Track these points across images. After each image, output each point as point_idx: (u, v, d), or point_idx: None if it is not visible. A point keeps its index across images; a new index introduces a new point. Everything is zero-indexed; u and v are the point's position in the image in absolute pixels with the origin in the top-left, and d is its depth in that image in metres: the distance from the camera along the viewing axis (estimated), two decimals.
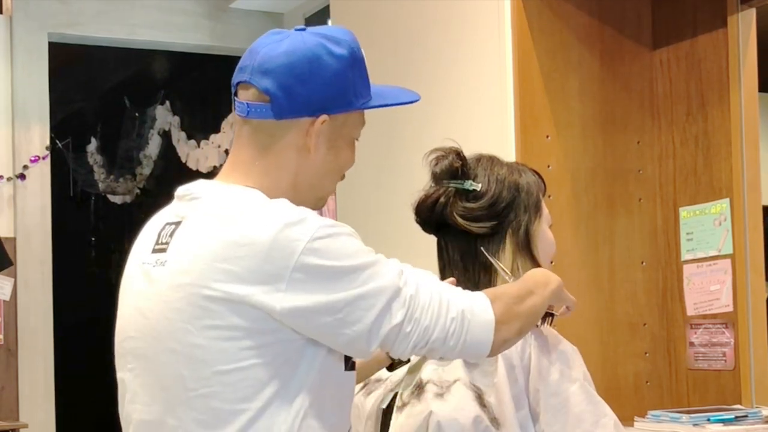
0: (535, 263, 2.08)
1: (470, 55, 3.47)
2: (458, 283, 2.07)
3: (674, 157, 3.37)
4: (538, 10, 3.28)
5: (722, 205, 3.19)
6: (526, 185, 2.09)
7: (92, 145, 6.60)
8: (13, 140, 5.22)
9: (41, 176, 5.28)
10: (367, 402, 2.16)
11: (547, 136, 3.29)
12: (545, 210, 2.13)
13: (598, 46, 3.38)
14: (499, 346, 1.78)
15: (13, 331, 5.13)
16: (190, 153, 5.95)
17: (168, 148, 6.31)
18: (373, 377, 2.15)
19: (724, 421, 2.80)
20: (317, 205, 1.90)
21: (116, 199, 6.69)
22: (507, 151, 3.20)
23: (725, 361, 3.17)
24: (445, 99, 3.57)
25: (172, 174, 6.17)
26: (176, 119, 6.22)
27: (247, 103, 1.82)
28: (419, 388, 2.07)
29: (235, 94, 1.86)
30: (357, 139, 1.90)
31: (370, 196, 3.95)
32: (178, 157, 6.08)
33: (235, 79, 1.86)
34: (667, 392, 3.37)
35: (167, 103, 6.30)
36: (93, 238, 7.31)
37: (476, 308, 1.76)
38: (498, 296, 1.80)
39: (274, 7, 5.49)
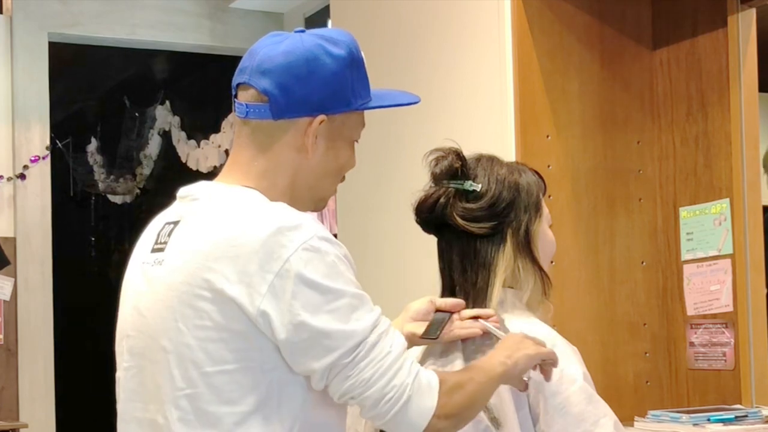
0: (536, 263, 2.08)
1: (470, 55, 3.47)
2: (457, 284, 2.08)
3: (674, 157, 3.37)
4: (538, 10, 3.28)
5: (722, 205, 3.19)
6: (526, 185, 2.09)
7: (92, 145, 6.60)
8: (13, 140, 5.22)
9: (41, 176, 5.28)
10: None
11: (547, 136, 3.29)
12: (545, 210, 2.13)
13: (598, 46, 3.38)
14: None
15: (13, 331, 5.13)
16: (190, 153, 5.95)
17: (168, 148, 6.31)
18: None
19: (724, 421, 2.80)
20: (317, 207, 1.89)
21: (116, 199, 6.69)
22: (507, 151, 3.20)
23: (725, 361, 3.17)
24: (445, 99, 3.57)
25: (172, 174, 6.17)
26: (176, 119, 6.23)
27: (246, 104, 1.82)
28: None
29: (235, 96, 1.86)
30: (357, 141, 1.90)
31: (370, 196, 3.95)
32: (178, 157, 6.08)
33: (235, 80, 1.87)
34: (667, 392, 3.37)
35: (167, 103, 6.31)
36: (93, 238, 7.31)
37: (423, 388, 1.71)
38: (451, 387, 1.75)
39: (274, 7, 5.49)
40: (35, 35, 5.29)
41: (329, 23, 4.55)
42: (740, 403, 3.07)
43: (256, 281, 1.67)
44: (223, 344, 1.69)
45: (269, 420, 1.69)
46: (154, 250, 1.81)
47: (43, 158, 5.27)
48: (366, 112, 1.92)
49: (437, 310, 2.04)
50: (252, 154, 1.83)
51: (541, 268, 2.08)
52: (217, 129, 5.75)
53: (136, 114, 6.50)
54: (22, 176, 5.21)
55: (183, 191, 1.86)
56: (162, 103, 6.34)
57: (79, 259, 7.05)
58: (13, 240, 5.18)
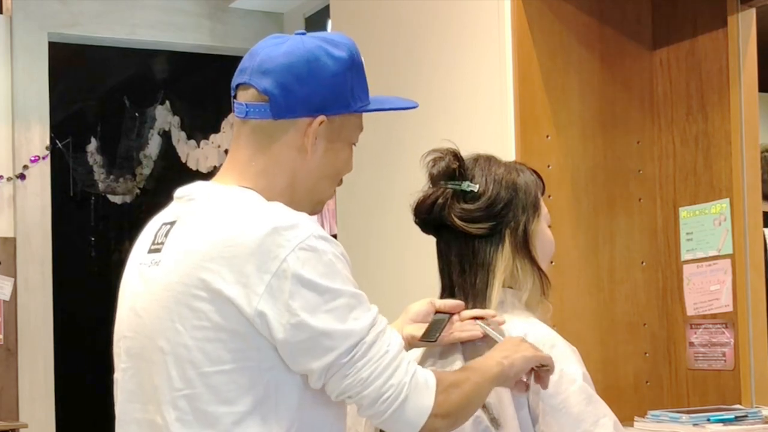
0: (534, 263, 2.08)
1: (470, 55, 3.47)
2: (456, 285, 2.08)
3: (674, 157, 3.37)
4: (538, 10, 3.28)
5: (722, 205, 3.19)
6: (524, 184, 2.09)
7: (92, 145, 6.60)
8: (13, 140, 5.22)
9: (41, 176, 5.28)
10: None
11: (547, 136, 3.29)
12: (544, 209, 2.13)
13: (598, 46, 3.38)
14: None
15: (13, 331, 5.13)
16: (190, 153, 5.95)
17: (168, 148, 6.31)
18: None
19: (724, 421, 2.80)
20: (315, 210, 1.89)
21: (116, 199, 6.69)
22: (507, 151, 3.20)
23: (725, 361, 3.17)
24: (445, 99, 3.57)
25: (172, 174, 6.17)
26: (176, 119, 6.23)
27: (246, 104, 1.83)
28: None
29: (235, 97, 1.87)
30: (355, 144, 1.90)
31: (370, 197, 3.95)
32: (178, 157, 6.08)
33: (234, 81, 1.87)
34: (667, 392, 3.37)
35: (167, 103, 6.30)
36: (93, 238, 7.30)
37: (420, 387, 1.72)
38: (448, 387, 1.76)
39: (274, 7, 5.48)
40: (35, 35, 5.29)
41: (329, 23, 4.55)
42: (740, 403, 3.07)
43: (253, 281, 1.67)
44: (221, 344, 1.69)
45: (267, 420, 1.70)
46: (151, 251, 1.82)
47: (43, 158, 5.27)
48: (365, 114, 1.92)
49: (437, 312, 2.04)
50: (251, 154, 1.84)
51: (539, 268, 2.08)
52: (217, 129, 5.75)
53: (136, 114, 6.50)
54: (22, 176, 5.21)
55: (180, 191, 1.86)
56: (162, 103, 6.34)
57: (79, 259, 7.05)
58: (13, 240, 5.18)
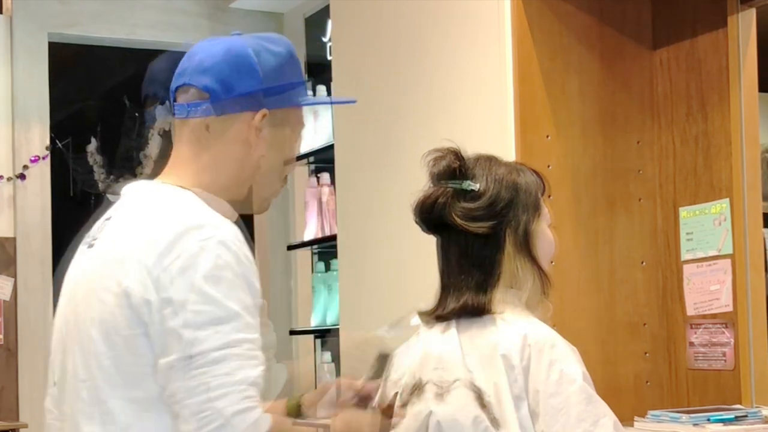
0: (535, 263, 2.08)
1: (470, 55, 3.47)
2: (456, 284, 2.08)
3: (674, 157, 3.37)
4: (538, 10, 3.28)
5: (722, 205, 3.19)
6: (524, 185, 2.09)
7: (92, 145, 6.59)
8: (13, 140, 5.22)
9: (41, 176, 5.28)
10: None
11: (547, 136, 3.29)
12: (545, 210, 2.13)
13: (598, 46, 3.38)
14: None
15: (13, 331, 5.13)
16: None
17: (168, 148, 6.29)
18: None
19: (724, 421, 2.80)
20: (260, 208, 1.92)
21: (116, 199, 6.68)
22: (507, 151, 3.20)
23: (725, 361, 3.17)
24: (445, 99, 3.57)
25: None
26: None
27: (186, 104, 1.88)
28: (419, 388, 2.07)
29: (175, 100, 1.92)
30: (298, 140, 1.93)
31: (370, 197, 3.94)
32: None
33: (173, 85, 1.92)
34: (667, 392, 3.37)
35: (167, 103, 6.29)
36: None
37: (246, 427, 1.63)
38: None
39: (274, 7, 5.48)
40: (35, 35, 5.28)
41: (329, 23, 4.55)
42: (740, 403, 3.07)
43: (147, 274, 1.71)
44: (118, 335, 1.72)
45: (164, 410, 1.71)
46: (89, 246, 1.89)
47: (43, 158, 5.27)
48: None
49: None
50: (194, 152, 1.88)
51: (540, 268, 2.08)
52: None
53: (136, 114, 6.49)
54: (22, 176, 5.21)
55: (123, 189, 1.94)
56: (162, 103, 6.33)
57: None
58: (13, 240, 5.18)
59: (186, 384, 1.65)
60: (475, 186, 2.07)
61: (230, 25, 5.46)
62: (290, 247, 5.11)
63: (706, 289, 3.23)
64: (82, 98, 7.06)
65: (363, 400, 1.93)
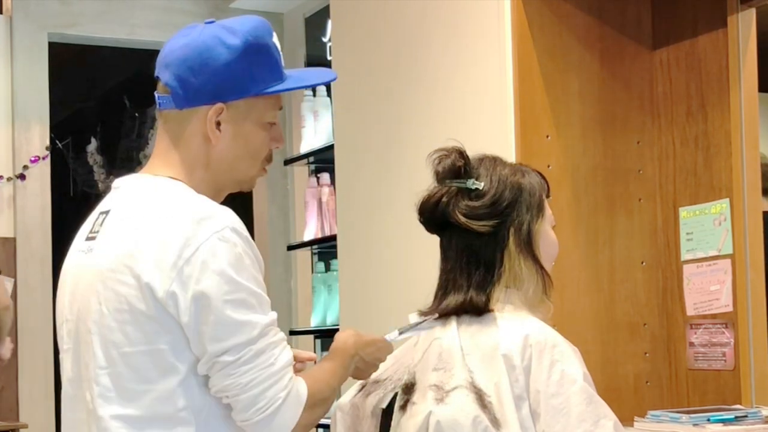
0: (537, 263, 2.09)
1: (470, 55, 3.47)
2: (458, 282, 2.08)
3: (674, 157, 3.37)
4: (538, 10, 3.28)
5: (722, 205, 3.19)
6: (528, 185, 2.10)
7: (92, 145, 6.60)
8: (13, 140, 5.22)
9: (41, 176, 5.28)
10: (367, 402, 2.17)
11: (547, 136, 3.29)
12: (548, 211, 2.14)
13: (598, 46, 3.38)
14: None
15: (13, 331, 5.13)
16: None
17: None
18: (371, 378, 2.16)
19: (724, 421, 2.80)
20: (243, 187, 1.99)
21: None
22: (507, 151, 3.20)
23: (725, 361, 3.17)
24: (446, 99, 3.57)
25: None
26: None
27: (158, 96, 1.94)
28: (419, 388, 2.07)
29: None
30: (272, 123, 1.96)
31: (371, 197, 3.95)
32: None
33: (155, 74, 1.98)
34: (667, 392, 3.37)
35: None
36: None
37: (291, 403, 1.82)
38: (317, 402, 1.87)
39: (274, 7, 5.48)
40: (35, 35, 5.28)
41: (329, 23, 4.55)
42: (740, 403, 3.07)
43: (168, 267, 1.77)
44: (138, 327, 1.80)
45: (184, 399, 1.81)
46: (88, 239, 1.93)
47: (43, 158, 5.27)
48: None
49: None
50: (167, 144, 1.94)
51: (542, 268, 2.09)
52: None
53: (136, 114, 6.50)
54: (22, 176, 5.21)
55: (116, 182, 1.98)
56: None
57: None
58: (13, 240, 5.18)
59: (238, 381, 1.78)
60: (479, 185, 2.08)
61: None
62: (290, 247, 5.11)
63: (706, 289, 3.23)
64: (82, 98, 7.07)
65: None
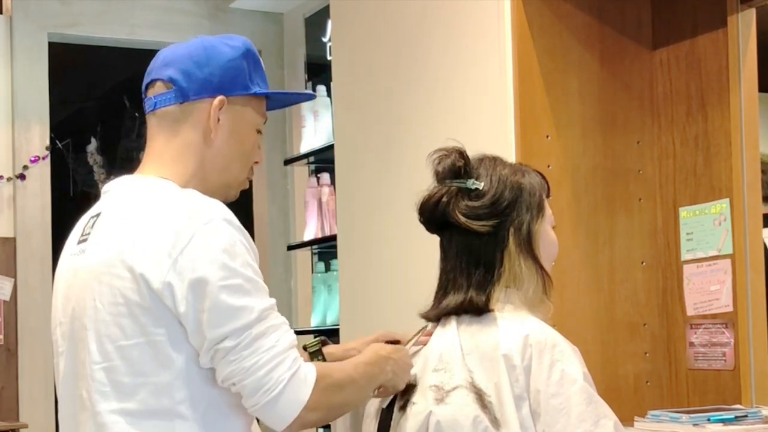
0: (537, 263, 2.09)
1: (470, 55, 3.47)
2: (458, 281, 2.08)
3: (674, 157, 3.37)
4: (538, 10, 3.28)
5: (722, 205, 3.19)
6: (528, 185, 2.10)
7: (92, 145, 6.60)
8: (13, 140, 5.21)
9: (41, 176, 5.28)
10: (368, 402, 2.17)
11: (547, 136, 3.30)
12: (548, 211, 2.14)
13: (598, 46, 3.38)
14: (297, 427, 1.85)
15: (13, 331, 5.13)
16: None
17: None
18: None
19: (724, 421, 2.80)
20: (228, 195, 2.03)
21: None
22: (507, 151, 3.20)
23: (725, 361, 3.17)
24: (445, 99, 3.57)
25: None
26: None
27: (153, 97, 2.00)
28: (419, 388, 2.07)
29: (145, 98, 2.04)
30: (260, 132, 2.04)
31: (371, 197, 3.95)
32: None
33: (143, 85, 2.05)
34: (667, 392, 3.37)
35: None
36: None
37: (298, 383, 1.82)
38: (330, 386, 1.87)
39: (274, 7, 5.48)
40: (35, 35, 5.28)
41: (329, 23, 4.55)
42: (740, 403, 3.07)
43: (163, 258, 1.80)
44: (134, 319, 1.82)
45: (181, 392, 1.82)
46: (79, 242, 1.97)
47: (43, 158, 5.27)
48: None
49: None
50: (162, 143, 1.99)
51: (542, 268, 2.09)
52: None
53: (136, 114, 6.50)
54: (22, 176, 5.21)
55: (106, 186, 2.04)
56: None
57: None
58: (13, 240, 5.18)
59: (240, 366, 1.79)
60: (479, 185, 2.08)
61: (230, 25, 5.46)
62: (290, 247, 5.11)
63: (706, 289, 3.23)
64: (82, 98, 7.07)
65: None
